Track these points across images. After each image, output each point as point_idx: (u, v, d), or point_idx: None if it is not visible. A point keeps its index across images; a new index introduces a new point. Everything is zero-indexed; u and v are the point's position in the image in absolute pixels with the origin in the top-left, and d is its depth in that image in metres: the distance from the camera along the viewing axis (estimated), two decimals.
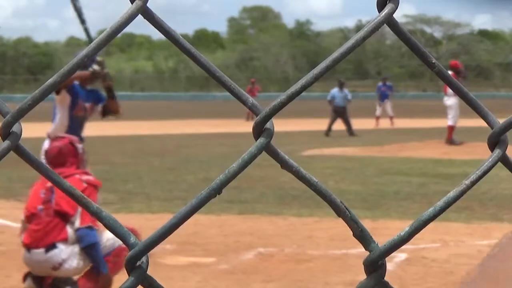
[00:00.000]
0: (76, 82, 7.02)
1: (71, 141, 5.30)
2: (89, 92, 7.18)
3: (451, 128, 18.62)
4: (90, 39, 6.45)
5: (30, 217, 5.14)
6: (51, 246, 5.03)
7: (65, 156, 5.18)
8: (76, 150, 5.26)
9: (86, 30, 6.47)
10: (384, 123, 27.69)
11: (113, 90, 7.11)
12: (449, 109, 18.53)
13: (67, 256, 5.03)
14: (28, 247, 5.10)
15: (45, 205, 5.10)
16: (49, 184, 5.04)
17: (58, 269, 5.07)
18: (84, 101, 7.11)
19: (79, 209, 5.00)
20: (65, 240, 5.04)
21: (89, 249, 5.03)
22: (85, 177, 5.17)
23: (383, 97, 28.67)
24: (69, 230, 5.05)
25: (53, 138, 5.80)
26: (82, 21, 6.36)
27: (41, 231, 5.05)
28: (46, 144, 7.15)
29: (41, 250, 5.04)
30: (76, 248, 5.05)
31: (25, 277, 5.27)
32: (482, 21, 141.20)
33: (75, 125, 7.05)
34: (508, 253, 6.85)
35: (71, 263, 5.05)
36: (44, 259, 5.05)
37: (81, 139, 6.76)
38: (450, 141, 18.54)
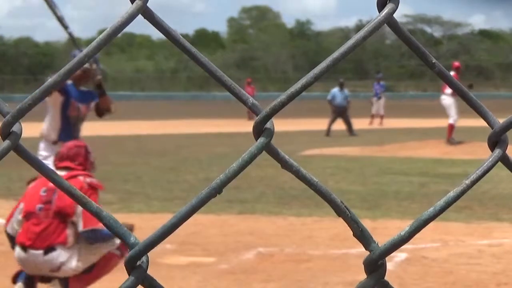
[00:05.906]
0: (69, 82, 6.96)
1: (87, 147, 5.48)
2: (82, 92, 7.12)
3: (451, 127, 18.59)
4: (75, 43, 6.69)
5: (28, 216, 5.09)
6: (50, 249, 4.99)
7: (77, 155, 5.34)
8: (88, 156, 5.42)
9: (70, 35, 6.75)
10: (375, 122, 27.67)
11: (103, 86, 7.05)
12: (448, 109, 18.51)
13: (66, 258, 5.01)
14: (25, 247, 5.06)
15: (45, 205, 5.07)
16: (52, 184, 5.04)
17: (57, 271, 5.05)
18: (77, 101, 7.04)
19: (79, 210, 4.98)
20: (64, 243, 5.02)
21: (100, 240, 5.04)
22: (88, 179, 5.19)
23: (377, 95, 28.96)
24: (69, 232, 5.02)
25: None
26: (65, 27, 6.64)
27: (40, 232, 5.02)
28: (42, 145, 7.13)
29: (40, 251, 4.99)
30: (75, 250, 5.03)
31: (14, 278, 5.23)
32: (477, 21, 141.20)
33: (68, 126, 6.98)
34: None
35: (70, 265, 5.02)
36: (42, 261, 5.00)
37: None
38: (449, 140, 18.54)
